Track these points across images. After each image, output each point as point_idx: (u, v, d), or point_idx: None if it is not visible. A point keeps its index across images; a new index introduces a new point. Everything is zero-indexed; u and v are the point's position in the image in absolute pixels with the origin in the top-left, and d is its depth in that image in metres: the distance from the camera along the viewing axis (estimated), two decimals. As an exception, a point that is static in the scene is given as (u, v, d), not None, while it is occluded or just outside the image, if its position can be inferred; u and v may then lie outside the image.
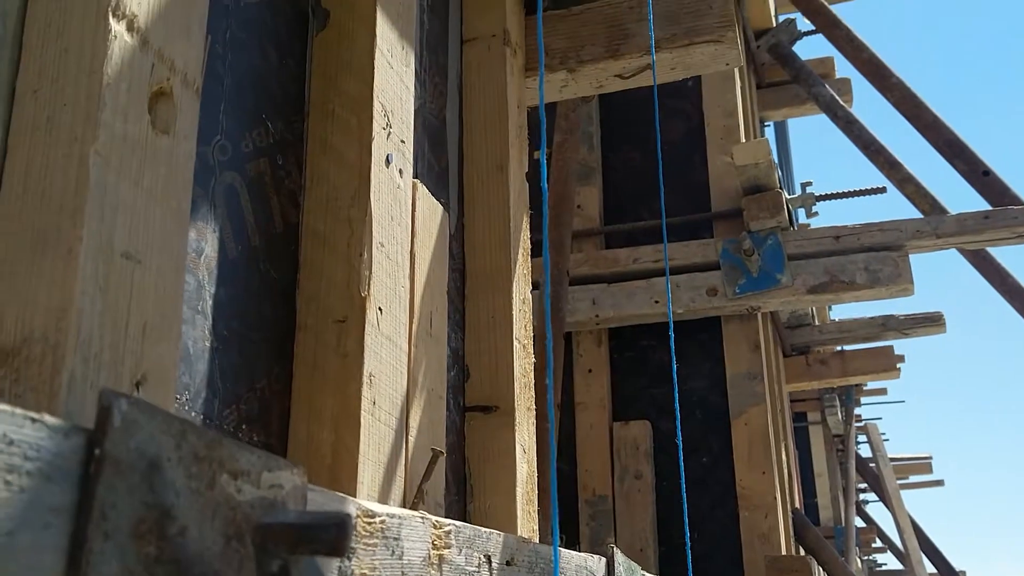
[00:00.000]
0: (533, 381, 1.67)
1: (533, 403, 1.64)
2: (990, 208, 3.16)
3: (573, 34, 1.82)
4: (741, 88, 3.96)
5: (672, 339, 2.24)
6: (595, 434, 3.51)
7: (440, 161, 1.60)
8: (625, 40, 1.79)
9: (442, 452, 1.20)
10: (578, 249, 3.71)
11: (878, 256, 3.22)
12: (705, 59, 1.80)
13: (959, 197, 3.83)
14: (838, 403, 7.41)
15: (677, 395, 2.50)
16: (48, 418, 0.48)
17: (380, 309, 1.14)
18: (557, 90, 1.89)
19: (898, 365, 4.85)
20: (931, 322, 4.20)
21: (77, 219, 0.70)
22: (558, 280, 3.30)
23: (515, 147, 1.73)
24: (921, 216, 3.44)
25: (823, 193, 3.92)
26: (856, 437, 8.39)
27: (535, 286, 3.09)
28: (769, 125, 5.12)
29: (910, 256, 3.25)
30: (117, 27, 0.75)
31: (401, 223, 1.23)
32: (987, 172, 3.29)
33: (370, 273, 1.12)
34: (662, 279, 3.53)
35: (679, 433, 1.99)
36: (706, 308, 3.44)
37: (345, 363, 1.08)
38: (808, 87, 4.23)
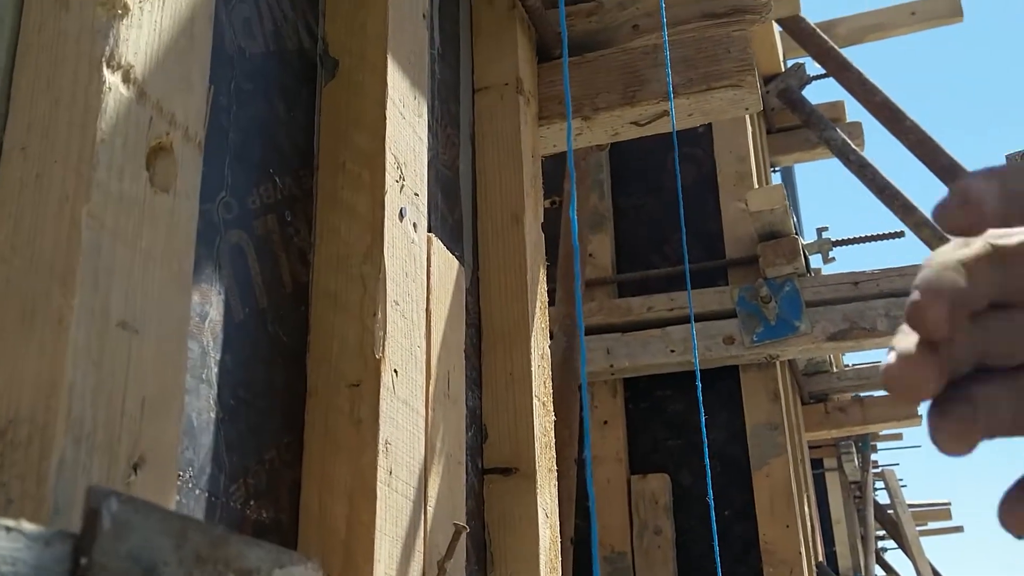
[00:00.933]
0: (553, 440, 1.60)
1: (554, 463, 1.56)
2: (1012, 250, 3.09)
3: (587, 81, 1.77)
4: (752, 133, 3.92)
5: (699, 389, 2.17)
6: (612, 488, 3.42)
7: (454, 213, 1.55)
8: (641, 87, 1.74)
9: (465, 528, 1.13)
10: (591, 298, 3.65)
11: (898, 302, 3.15)
12: (724, 104, 1.75)
13: (977, 239, 3.76)
14: (854, 449, 7.29)
15: (707, 448, 2.42)
16: (26, 525, 0.41)
17: (396, 371, 1.07)
18: (572, 139, 1.84)
19: (919, 412, 4.75)
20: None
21: (69, 285, 0.64)
22: (571, 332, 3.23)
23: (530, 197, 1.67)
24: (940, 260, 3.37)
25: (839, 238, 3.87)
26: (874, 483, 8.25)
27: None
28: (776, 170, 5.07)
29: (931, 301, 3.17)
30: (112, 78, 0.69)
31: (416, 279, 1.16)
32: (1007, 214, 3.23)
33: (384, 334, 1.06)
34: (677, 328, 3.46)
35: (710, 488, 1.91)
36: (723, 357, 3.36)
37: (359, 431, 1.01)
38: (819, 131, 4.19)
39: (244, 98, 1.01)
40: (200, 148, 0.79)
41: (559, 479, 1.61)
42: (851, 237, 3.97)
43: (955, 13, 4.82)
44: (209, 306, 0.91)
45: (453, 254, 1.47)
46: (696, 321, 3.43)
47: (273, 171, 1.05)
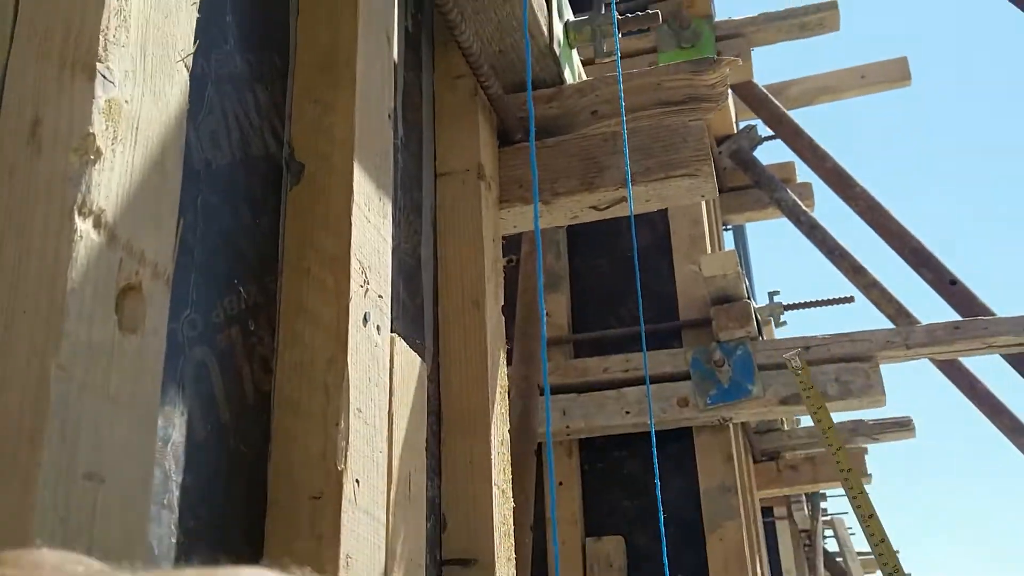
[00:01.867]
0: (512, 527, 1.60)
1: (513, 552, 1.57)
2: (959, 318, 3.17)
3: (547, 166, 1.80)
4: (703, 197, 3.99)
5: (655, 451, 2.19)
6: (567, 551, 3.41)
7: (415, 300, 1.56)
8: (600, 173, 1.77)
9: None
10: (547, 358, 3.66)
11: (849, 367, 3.21)
12: (680, 192, 1.79)
13: (926, 304, 3.86)
14: (804, 499, 7.36)
15: (661, 511, 2.44)
16: None
17: (357, 481, 1.07)
18: (532, 220, 1.86)
19: (869, 471, 4.82)
20: (901, 427, 4.19)
21: (36, 443, 0.64)
22: (528, 393, 3.24)
23: (491, 282, 1.69)
24: (890, 324, 3.44)
25: (790, 303, 3.94)
26: (823, 532, 8.31)
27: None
28: (728, 228, 5.15)
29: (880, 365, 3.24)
30: (83, 226, 0.69)
31: (379, 383, 1.17)
32: (954, 281, 3.32)
33: (347, 443, 1.06)
34: (632, 389, 3.48)
35: (664, 551, 1.92)
36: (678, 419, 3.39)
37: (320, 546, 1.01)
38: (770, 192, 4.28)
39: (210, 212, 1.01)
40: (169, 283, 0.79)
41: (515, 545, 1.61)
42: (802, 302, 4.04)
43: (904, 77, 4.96)
44: (172, 428, 0.90)
45: (414, 341, 1.48)
46: (651, 383, 3.46)
47: (238, 281, 1.05)
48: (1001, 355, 3.31)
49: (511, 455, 1.73)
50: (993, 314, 3.30)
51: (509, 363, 3.32)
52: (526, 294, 3.35)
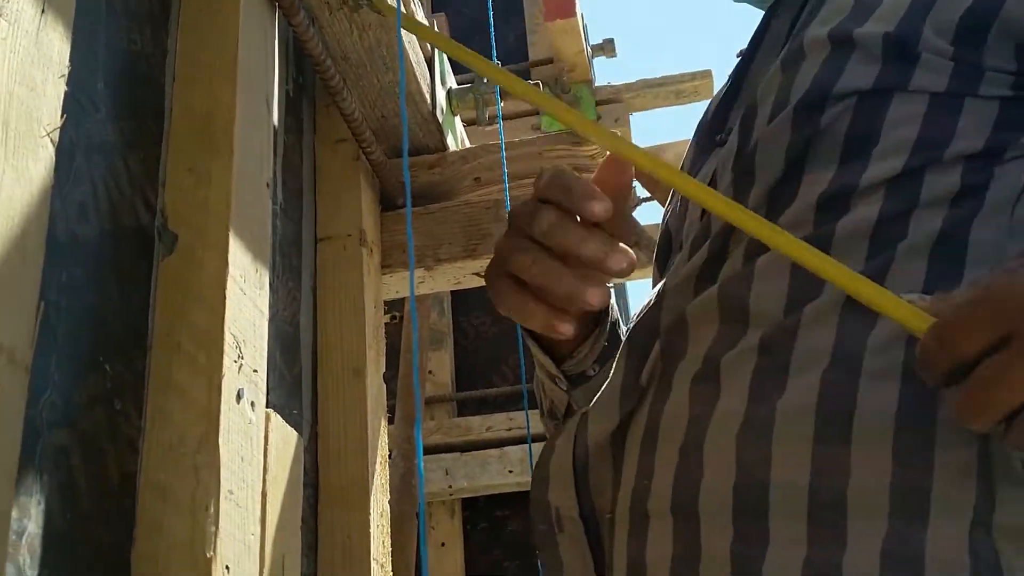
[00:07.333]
0: (391, 603, 1.56)
1: (392, 630, 1.53)
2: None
3: (430, 232, 1.80)
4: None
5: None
6: (449, 613, 3.36)
7: (292, 369, 1.52)
8: (482, 240, 1.78)
9: None
10: (430, 416, 3.63)
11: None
12: (562, 259, 1.81)
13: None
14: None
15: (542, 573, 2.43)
16: None
17: (227, 568, 1.03)
18: (415, 286, 1.85)
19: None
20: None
21: None
22: (410, 454, 3.20)
23: (372, 349, 1.67)
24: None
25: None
26: None
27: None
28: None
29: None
30: (-67, 316, 0.65)
31: (252, 462, 1.13)
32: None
33: (217, 529, 1.02)
34: (515, 448, 3.48)
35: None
36: (560, 478, 3.39)
37: (187, 638, 0.97)
38: (649, 252, 4.36)
39: (75, 288, 0.97)
40: (27, 370, 0.75)
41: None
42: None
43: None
44: (28, 520, 0.85)
45: (291, 413, 1.45)
46: (534, 441, 3.46)
47: (103, 359, 1.01)
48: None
49: (392, 519, 1.70)
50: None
51: (391, 422, 3.28)
52: (409, 352, 3.33)
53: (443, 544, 3.50)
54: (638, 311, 0.85)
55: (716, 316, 0.72)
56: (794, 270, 0.69)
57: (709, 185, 0.81)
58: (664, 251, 0.93)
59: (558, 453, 0.82)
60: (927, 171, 0.68)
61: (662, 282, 0.83)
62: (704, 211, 0.81)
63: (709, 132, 0.88)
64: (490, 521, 3.55)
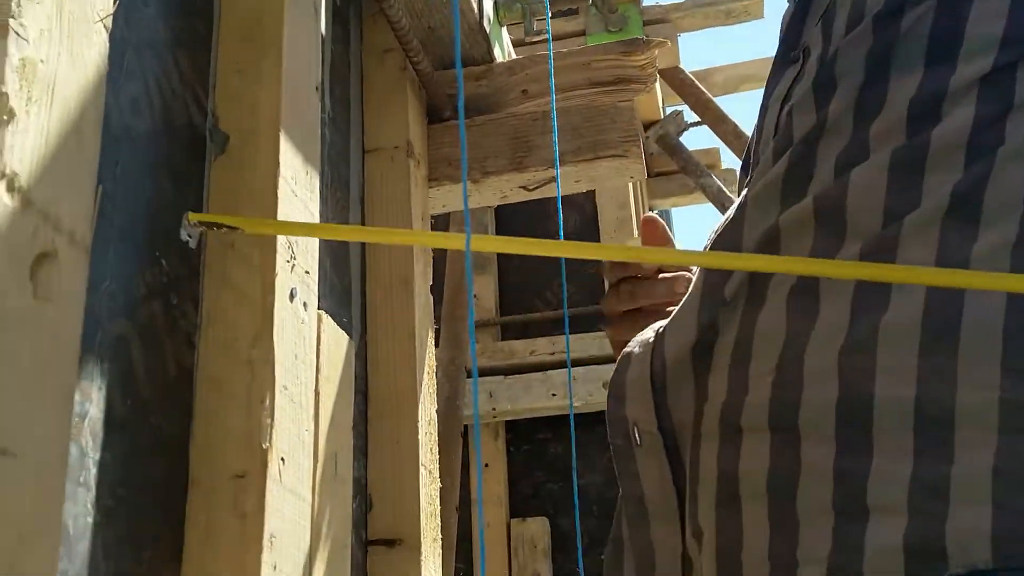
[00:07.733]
0: (439, 508, 1.59)
1: (439, 533, 1.56)
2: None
3: (477, 145, 1.79)
4: (632, 179, 4.02)
5: (573, 434, 2.20)
6: (492, 532, 3.42)
7: (342, 279, 1.53)
8: (529, 153, 1.76)
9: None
10: (475, 340, 3.66)
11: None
12: (609, 172, 1.79)
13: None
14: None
15: (576, 493, 2.45)
16: None
17: (283, 460, 1.05)
18: (462, 200, 1.84)
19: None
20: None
21: (-58, 416, 0.61)
22: (454, 376, 3.23)
23: (420, 261, 1.67)
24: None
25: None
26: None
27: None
28: (655, 213, 5.21)
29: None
30: (-4, 189, 0.66)
31: (305, 361, 1.15)
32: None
33: (272, 421, 1.04)
34: (558, 372, 3.50)
35: (578, 531, 1.94)
36: (603, 402, 3.41)
37: (243, 525, 0.99)
38: (696, 178, 4.32)
39: (130, 181, 0.98)
40: (87, 251, 0.76)
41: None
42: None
43: (823, 68, 5.04)
44: (89, 403, 0.87)
45: (342, 320, 1.46)
46: (578, 365, 3.48)
47: (159, 254, 1.02)
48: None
49: (438, 437, 1.72)
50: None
51: (436, 345, 3.31)
52: (453, 276, 3.34)
53: (487, 465, 3.55)
54: (716, 228, 0.83)
55: (811, 229, 0.71)
56: (891, 182, 0.67)
57: (783, 104, 0.80)
58: (745, 166, 0.92)
59: (634, 368, 0.82)
60: (1019, 67, 0.65)
61: (742, 195, 0.81)
62: (779, 122, 0.79)
63: (783, 50, 0.86)
64: (532, 443, 3.59)
